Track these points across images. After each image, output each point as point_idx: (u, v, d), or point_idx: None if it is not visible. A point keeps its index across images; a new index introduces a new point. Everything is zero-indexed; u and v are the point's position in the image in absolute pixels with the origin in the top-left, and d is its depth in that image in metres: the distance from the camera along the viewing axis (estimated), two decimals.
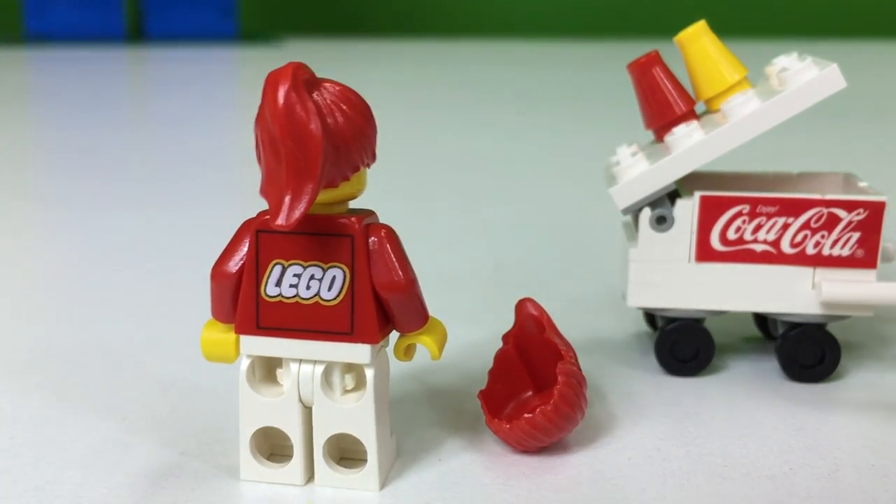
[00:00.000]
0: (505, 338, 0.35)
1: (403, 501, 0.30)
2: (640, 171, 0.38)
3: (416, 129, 1.00)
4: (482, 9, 2.06)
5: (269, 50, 1.78)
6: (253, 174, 0.32)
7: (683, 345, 0.39)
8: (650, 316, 0.44)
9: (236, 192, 0.73)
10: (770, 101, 0.37)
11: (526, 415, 0.32)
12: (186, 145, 0.91)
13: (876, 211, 0.37)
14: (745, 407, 0.37)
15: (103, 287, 0.50)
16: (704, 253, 0.38)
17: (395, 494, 0.30)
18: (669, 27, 0.41)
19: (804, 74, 0.37)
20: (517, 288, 0.50)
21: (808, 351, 0.39)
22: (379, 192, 0.37)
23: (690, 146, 0.38)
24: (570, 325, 0.45)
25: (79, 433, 0.34)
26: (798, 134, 0.90)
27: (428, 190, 0.73)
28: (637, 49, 0.45)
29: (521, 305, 0.35)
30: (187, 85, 1.36)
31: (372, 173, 0.30)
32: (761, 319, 0.44)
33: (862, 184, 0.40)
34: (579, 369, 0.33)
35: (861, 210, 0.37)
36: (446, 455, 0.33)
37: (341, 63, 1.60)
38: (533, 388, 0.35)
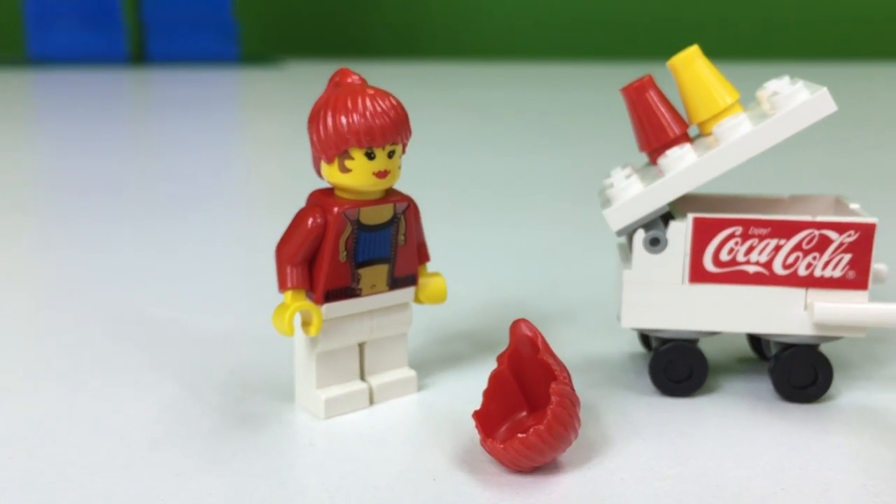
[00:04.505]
0: (499, 358, 0.36)
1: None
2: (633, 193, 0.39)
3: (414, 149, 1.01)
4: (481, 31, 2.07)
5: (270, 72, 1.80)
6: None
7: (677, 365, 0.40)
8: (645, 337, 0.45)
9: (239, 211, 0.73)
10: (761, 124, 0.37)
11: (520, 435, 0.32)
12: (188, 166, 0.91)
13: (866, 232, 0.37)
14: (738, 427, 0.37)
15: (109, 306, 0.50)
16: (698, 274, 0.39)
17: None
18: (669, 49, 0.41)
19: (795, 98, 0.37)
20: (513, 308, 0.50)
21: (800, 371, 0.39)
22: None
23: (683, 169, 0.38)
24: (566, 345, 0.45)
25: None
26: (791, 156, 0.91)
27: (425, 210, 0.73)
28: (638, 70, 0.45)
29: (516, 326, 0.36)
30: (189, 107, 1.37)
31: None
32: (755, 340, 0.44)
33: (853, 206, 0.40)
34: (573, 389, 0.34)
35: (852, 232, 0.37)
36: (441, 475, 0.33)
37: None
38: (527, 408, 0.36)
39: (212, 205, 0.76)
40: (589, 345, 0.46)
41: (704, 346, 0.44)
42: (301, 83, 1.68)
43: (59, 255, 0.62)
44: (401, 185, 0.38)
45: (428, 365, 0.43)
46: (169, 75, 1.72)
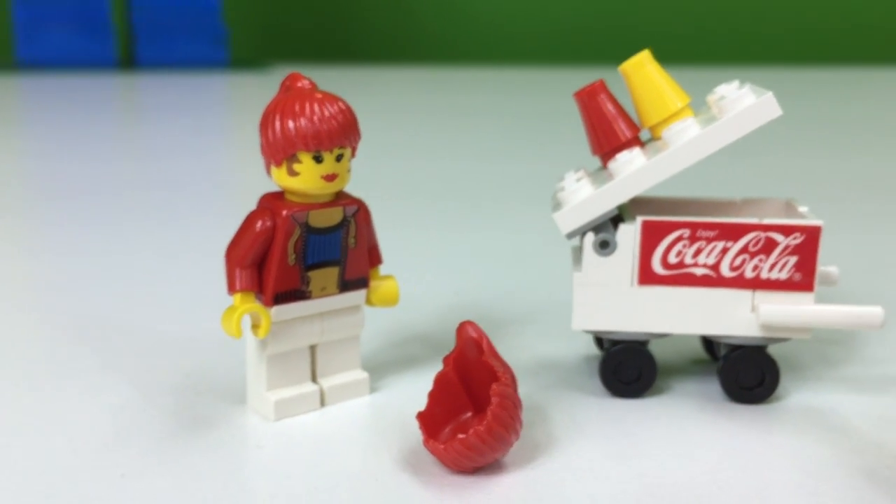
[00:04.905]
0: (445, 360, 0.36)
1: None
2: (583, 196, 0.39)
3: (390, 153, 1.01)
4: (470, 36, 2.08)
5: (260, 77, 1.80)
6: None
7: (627, 367, 0.40)
8: (600, 339, 0.45)
9: (222, 216, 0.74)
10: (708, 128, 0.38)
11: (460, 435, 0.32)
12: (176, 171, 0.91)
13: (812, 235, 0.38)
14: (684, 427, 0.37)
15: (69, 310, 0.51)
16: (647, 276, 0.39)
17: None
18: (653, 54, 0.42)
19: (741, 102, 0.38)
20: (474, 312, 0.51)
21: (748, 373, 0.39)
22: None
23: (632, 172, 0.38)
24: (522, 348, 0.46)
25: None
26: (747, 160, 0.92)
27: (396, 214, 0.74)
28: (608, 75, 0.46)
29: (462, 329, 0.36)
30: (179, 112, 1.37)
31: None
32: (708, 342, 0.44)
33: (802, 209, 0.41)
34: (515, 391, 0.34)
35: (798, 234, 0.38)
36: (384, 475, 0.34)
37: (331, 89, 1.61)
38: (473, 409, 0.36)
39: (194, 209, 0.76)
40: (545, 347, 0.46)
41: (659, 347, 0.44)
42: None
43: (31, 258, 0.62)
44: (374, 188, 0.38)
45: (383, 367, 0.43)
46: (158, 80, 1.72)
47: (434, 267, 0.60)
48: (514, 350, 0.45)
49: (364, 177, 0.85)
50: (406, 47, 2.09)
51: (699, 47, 1.92)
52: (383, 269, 0.41)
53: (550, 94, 1.61)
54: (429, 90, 1.64)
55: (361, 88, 1.68)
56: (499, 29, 2.08)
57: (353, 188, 0.38)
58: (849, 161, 0.97)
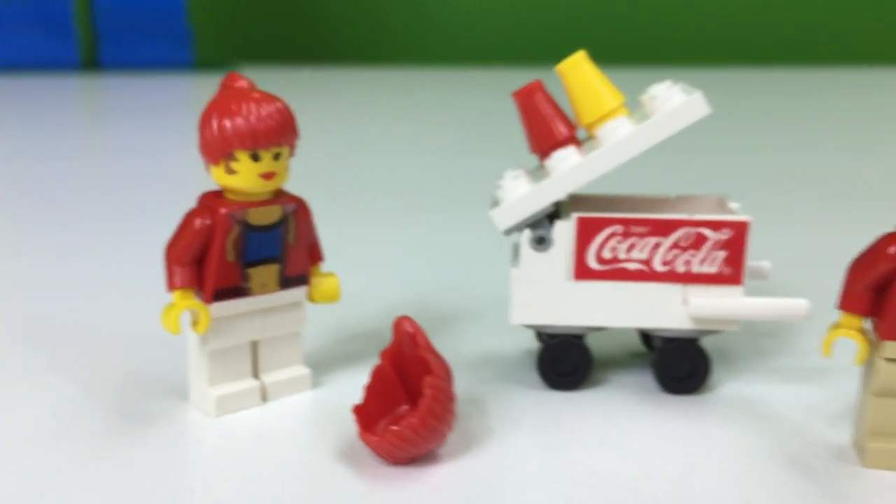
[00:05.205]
0: (382, 355, 0.37)
1: (270, 499, 0.31)
2: (519, 194, 0.40)
3: (352, 152, 1.02)
4: (438, 37, 2.09)
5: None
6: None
7: (564, 360, 0.41)
8: (541, 334, 0.46)
9: (176, 216, 0.74)
10: (639, 127, 0.39)
11: (393, 427, 0.33)
12: (137, 172, 0.91)
13: (740, 230, 0.39)
14: (618, 418, 0.38)
15: (15, 308, 0.51)
16: (582, 271, 0.40)
17: (261, 496, 0.32)
18: (624, 55, 0.42)
19: (671, 102, 0.39)
20: (420, 308, 0.52)
21: (680, 364, 0.40)
22: (319, 220, 0.39)
23: (567, 169, 0.39)
24: (466, 343, 0.47)
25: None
26: (689, 158, 0.93)
27: (348, 212, 0.74)
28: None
29: (398, 324, 0.37)
30: (142, 113, 1.36)
31: (313, 200, 0.32)
32: (645, 335, 0.45)
33: (733, 205, 0.42)
34: (449, 384, 0.35)
35: (726, 229, 0.39)
36: (320, 467, 0.34)
37: (295, 90, 1.61)
38: (409, 402, 0.37)
39: (151, 210, 0.76)
40: (487, 342, 0.47)
41: (599, 341, 0.45)
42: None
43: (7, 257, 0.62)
44: (328, 186, 0.39)
45: (327, 363, 0.44)
46: (122, 82, 1.71)
47: (382, 264, 0.60)
48: (457, 344, 0.46)
49: (319, 175, 0.85)
50: (371, 49, 2.09)
51: (649, 49, 1.95)
52: (332, 266, 0.41)
53: (508, 93, 1.62)
54: (391, 91, 1.65)
55: (326, 89, 1.68)
56: (462, 31, 2.09)
57: (311, 186, 0.39)
58: (785, 158, 0.98)
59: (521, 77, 0.41)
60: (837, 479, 0.34)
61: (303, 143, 0.38)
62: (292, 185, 0.39)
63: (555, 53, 0.48)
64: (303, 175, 0.45)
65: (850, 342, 0.35)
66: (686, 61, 1.91)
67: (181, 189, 0.84)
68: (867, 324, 0.35)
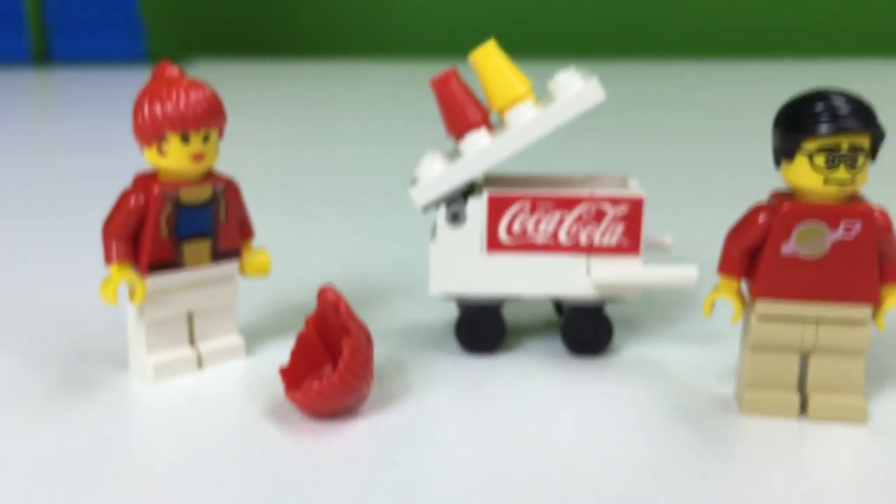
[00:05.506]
0: (307, 321, 0.40)
1: (204, 458, 0.34)
2: (435, 173, 0.43)
3: (296, 143, 1.05)
4: (397, 30, 2.11)
5: None
6: None
7: (479, 326, 0.44)
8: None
9: None
10: (541, 111, 0.42)
11: (315, 383, 0.36)
12: (88, 164, 0.93)
13: (635, 205, 0.43)
14: (527, 378, 0.42)
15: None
16: (494, 244, 0.43)
17: (195, 456, 0.35)
18: (580, 49, 0.45)
19: (570, 88, 0.42)
20: (355, 284, 0.55)
21: (585, 329, 0.44)
22: (260, 203, 0.42)
23: (478, 151, 0.43)
24: (393, 314, 0.50)
25: None
26: (604, 142, 0.98)
27: (297, 198, 0.77)
28: (546, 69, 0.50)
29: (322, 293, 0.40)
30: (94, 106, 1.38)
31: (257, 186, 0.35)
32: (558, 304, 0.49)
33: (632, 183, 0.46)
34: (368, 346, 0.38)
35: (624, 205, 0.43)
36: (250, 423, 0.37)
37: (250, 83, 1.63)
38: (332, 364, 0.40)
39: (97, 199, 0.78)
40: (413, 313, 0.50)
41: (515, 310, 0.49)
42: (210, 82, 1.68)
43: None
44: (279, 175, 0.42)
45: (261, 334, 0.47)
46: (74, 75, 1.72)
47: (322, 245, 0.63)
48: (384, 316, 0.49)
49: (273, 164, 0.88)
50: (329, 41, 2.11)
51: (595, 41, 1.99)
52: (275, 247, 0.44)
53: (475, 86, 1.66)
54: (344, 83, 1.67)
55: (279, 82, 1.70)
56: (421, 24, 2.11)
57: (263, 174, 0.42)
58: (694, 144, 1.03)
59: (464, 68, 0.44)
60: (718, 425, 0.38)
61: (257, 133, 0.41)
62: (245, 174, 0.42)
63: (511, 46, 0.51)
64: (255, 163, 0.48)
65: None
66: (626, 53, 1.96)
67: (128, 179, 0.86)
68: (744, 286, 0.39)
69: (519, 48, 0.46)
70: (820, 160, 0.35)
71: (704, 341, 0.46)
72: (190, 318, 0.42)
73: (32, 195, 0.79)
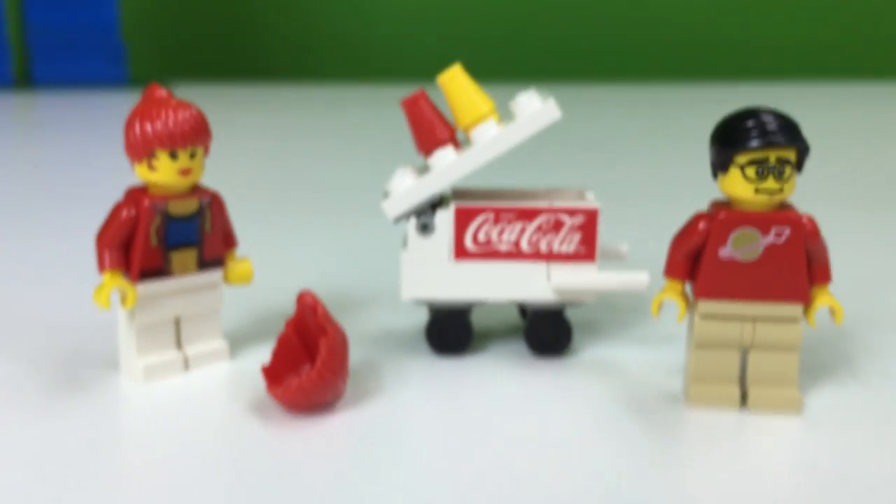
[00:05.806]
0: (287, 324, 0.43)
1: (191, 451, 0.37)
2: (406, 187, 0.46)
3: (284, 163, 1.08)
4: (376, 53, 2.15)
5: None
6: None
7: (448, 330, 0.48)
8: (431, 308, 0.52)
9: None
10: (504, 129, 0.46)
11: (295, 380, 0.39)
12: (74, 188, 0.96)
13: (591, 216, 0.46)
14: (493, 377, 0.45)
15: None
16: (461, 252, 0.47)
17: (184, 449, 0.37)
18: (560, 70, 0.48)
19: (529, 107, 0.46)
20: (336, 293, 0.58)
21: (546, 331, 0.47)
22: (251, 221, 0.45)
23: (445, 166, 0.46)
24: (370, 320, 0.53)
25: None
26: (566, 159, 1.02)
27: (285, 215, 0.80)
28: (501, 89, 0.53)
29: (301, 297, 0.43)
30: (76, 131, 1.40)
31: (246, 204, 0.38)
32: (522, 308, 0.52)
33: (589, 195, 0.49)
34: (343, 345, 0.41)
35: (580, 215, 0.46)
36: (234, 419, 0.40)
37: (230, 105, 1.66)
38: (310, 363, 0.43)
39: (88, 222, 0.81)
40: (389, 318, 0.53)
41: (483, 315, 0.52)
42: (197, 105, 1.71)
43: None
44: (262, 192, 0.45)
45: (244, 339, 0.50)
46: (56, 99, 1.74)
47: (303, 257, 0.67)
48: (360, 322, 0.52)
49: (254, 183, 0.91)
50: (304, 65, 2.15)
51: (570, 66, 2.04)
52: (258, 259, 0.47)
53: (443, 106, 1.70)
54: (321, 105, 1.71)
55: (259, 106, 1.74)
56: (391, 49, 2.16)
57: (245, 192, 0.45)
58: (649, 162, 1.07)
59: (432, 89, 0.47)
60: (667, 417, 0.41)
61: (237, 154, 0.45)
62: (230, 191, 0.45)
63: (487, 70, 0.54)
64: (238, 182, 0.51)
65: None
66: (585, 77, 2.01)
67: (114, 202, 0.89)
68: (688, 288, 0.42)
69: (483, 71, 0.49)
70: (751, 172, 0.38)
71: (655, 342, 0.50)
72: (177, 323, 0.45)
73: (15, 216, 0.82)
